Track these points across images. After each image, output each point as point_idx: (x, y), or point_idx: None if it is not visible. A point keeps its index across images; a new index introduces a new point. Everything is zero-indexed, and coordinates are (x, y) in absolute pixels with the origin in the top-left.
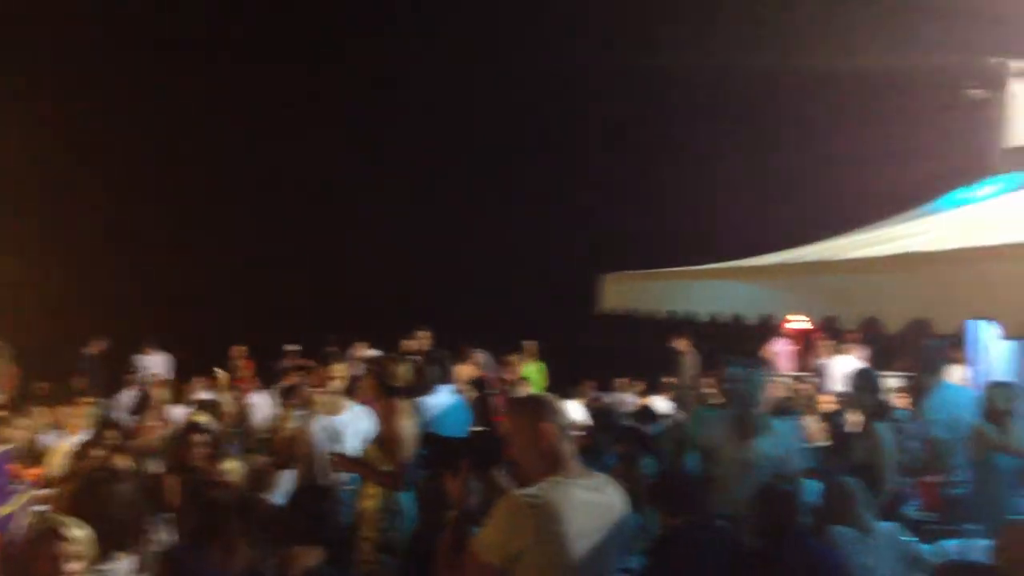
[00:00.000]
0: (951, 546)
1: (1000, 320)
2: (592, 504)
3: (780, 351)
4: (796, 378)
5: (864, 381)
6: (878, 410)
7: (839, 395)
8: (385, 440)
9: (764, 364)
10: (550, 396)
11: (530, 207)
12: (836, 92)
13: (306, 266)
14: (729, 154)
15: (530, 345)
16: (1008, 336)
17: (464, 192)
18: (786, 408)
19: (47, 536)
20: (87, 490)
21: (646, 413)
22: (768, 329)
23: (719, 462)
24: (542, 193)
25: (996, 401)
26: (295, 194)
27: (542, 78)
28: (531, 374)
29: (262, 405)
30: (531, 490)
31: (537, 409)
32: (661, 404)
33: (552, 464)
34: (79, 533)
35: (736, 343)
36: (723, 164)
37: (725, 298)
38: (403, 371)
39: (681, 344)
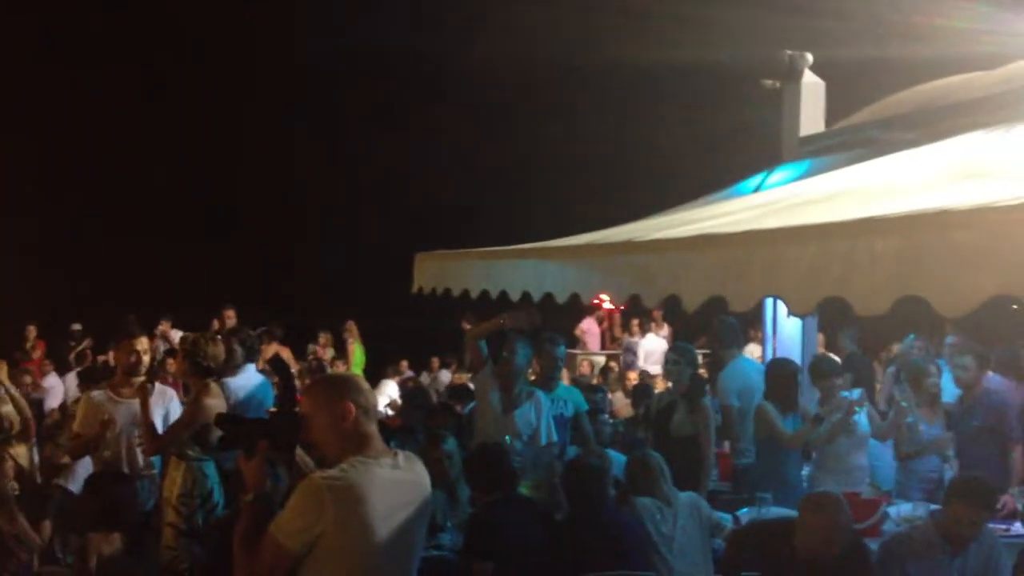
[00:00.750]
0: (744, 514)
1: (786, 298)
2: (396, 483)
3: (588, 329)
4: (606, 355)
5: (683, 355)
6: (698, 384)
7: (644, 372)
8: (192, 421)
9: (557, 339)
10: (352, 374)
11: (349, 185)
12: (643, 82)
13: (108, 243)
14: (542, 140)
15: (350, 325)
16: (792, 313)
17: (280, 169)
18: (593, 383)
19: None
20: None
21: (461, 391)
22: (577, 308)
23: (486, 434)
24: (360, 172)
25: (777, 378)
26: (90, 164)
27: (356, 52)
28: (355, 354)
29: (57, 387)
30: (331, 472)
31: (337, 388)
32: None
33: (354, 444)
34: None
35: (547, 321)
36: (536, 149)
37: (536, 277)
38: (216, 351)
39: (466, 323)
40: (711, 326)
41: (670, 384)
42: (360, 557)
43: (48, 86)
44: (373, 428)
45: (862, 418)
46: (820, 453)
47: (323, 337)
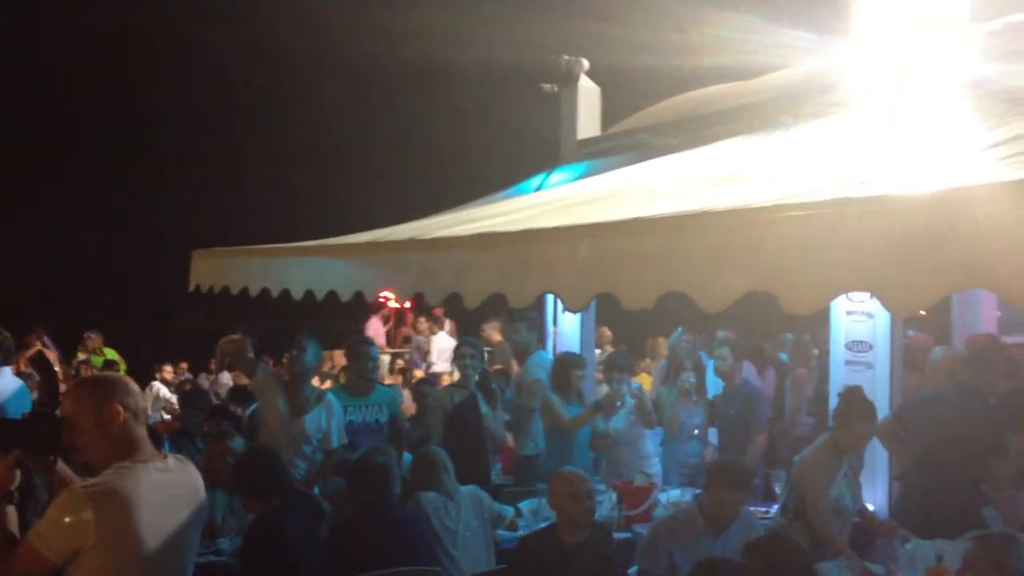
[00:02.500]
0: (526, 506)
1: (561, 295)
2: (166, 487)
3: (373, 328)
4: (391, 354)
5: (478, 349)
6: (488, 378)
7: (430, 371)
8: None
9: (373, 342)
10: (120, 376)
11: (121, 190)
12: (427, 83)
13: None
14: (325, 138)
15: (95, 336)
16: (568, 309)
17: (56, 164)
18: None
19: None
20: None
21: (242, 394)
22: (362, 306)
23: (273, 438)
24: (134, 170)
25: (559, 370)
26: None
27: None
28: (111, 355)
29: None
30: (94, 479)
31: (104, 389)
32: None
33: (122, 448)
34: None
35: (332, 320)
36: (320, 147)
37: (319, 275)
38: None
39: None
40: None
41: (459, 378)
42: (128, 564)
43: None
44: (142, 431)
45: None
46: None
47: (92, 339)
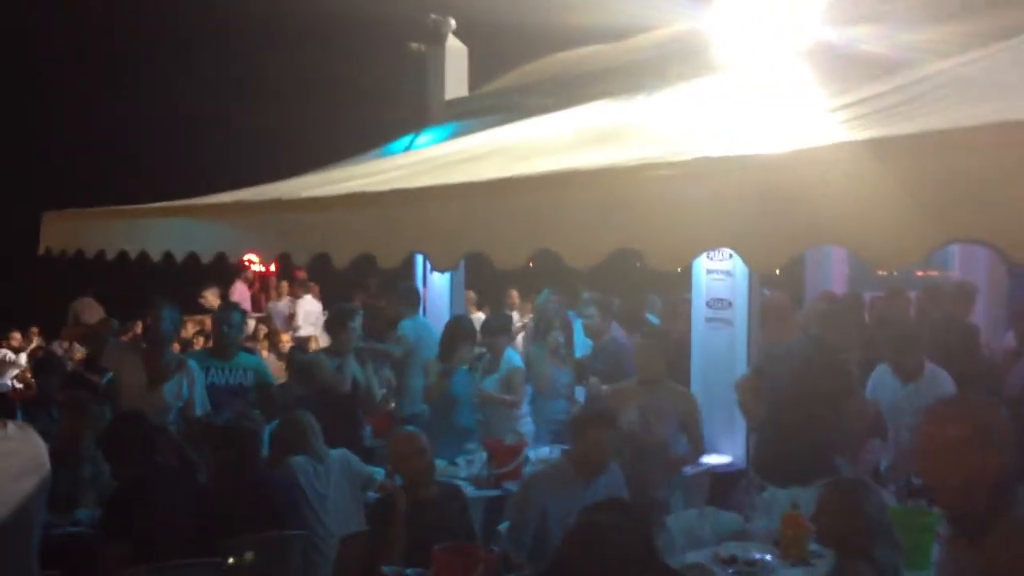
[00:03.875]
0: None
1: (430, 255)
2: (5, 456)
3: (238, 292)
4: (256, 319)
5: (343, 317)
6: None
7: (295, 335)
8: None
9: (240, 306)
10: None
11: None
12: (292, 40)
13: None
14: (189, 96)
15: None
16: (436, 269)
17: None
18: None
19: None
20: None
21: (97, 361)
22: (224, 268)
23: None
24: None
25: (450, 338)
26: None
27: None
28: None
29: None
30: None
31: None
32: None
33: None
34: None
35: (189, 283)
36: (172, 104)
37: (180, 237)
38: None
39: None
40: (397, 288)
41: (332, 343)
42: None
43: None
44: None
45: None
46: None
47: None
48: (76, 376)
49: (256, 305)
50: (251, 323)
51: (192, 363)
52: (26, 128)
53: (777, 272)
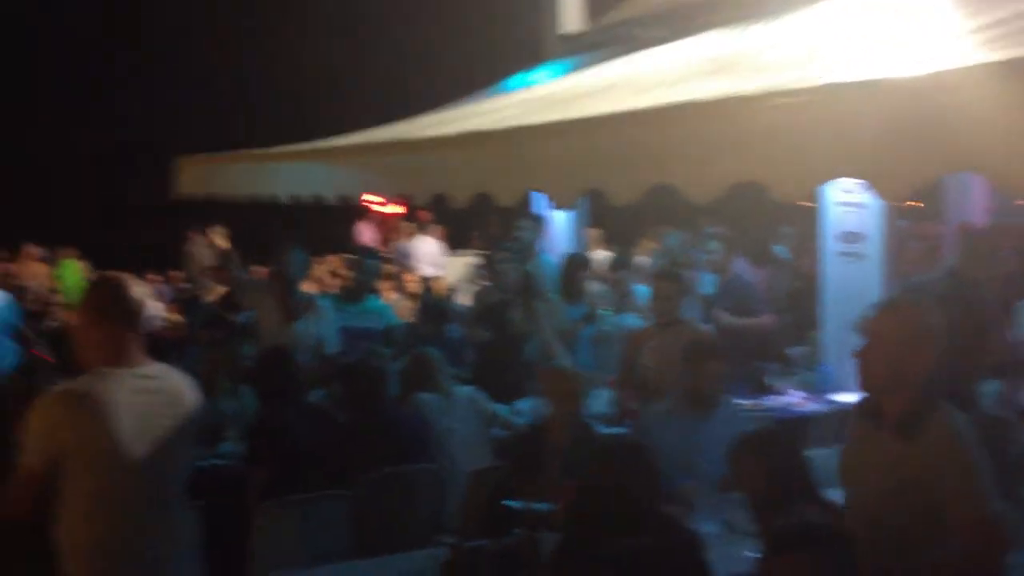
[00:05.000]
0: (524, 405)
1: (548, 192)
2: (148, 392)
3: (363, 233)
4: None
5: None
6: (531, 281)
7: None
8: None
9: (376, 251)
10: (113, 278)
11: (93, 94)
12: None
13: None
14: (292, 39)
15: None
16: (555, 206)
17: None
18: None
19: None
20: None
21: (232, 301)
22: (349, 210)
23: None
24: (104, 78)
25: (569, 272)
26: None
27: None
28: (66, 274)
29: None
30: (67, 383)
31: (93, 294)
32: None
33: (105, 354)
34: None
35: (321, 228)
36: (286, 50)
37: (304, 179)
38: None
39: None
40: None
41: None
42: (106, 466)
43: None
44: (130, 337)
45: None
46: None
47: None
48: (214, 315)
49: (381, 246)
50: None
51: (322, 302)
52: (153, 79)
53: (919, 204)
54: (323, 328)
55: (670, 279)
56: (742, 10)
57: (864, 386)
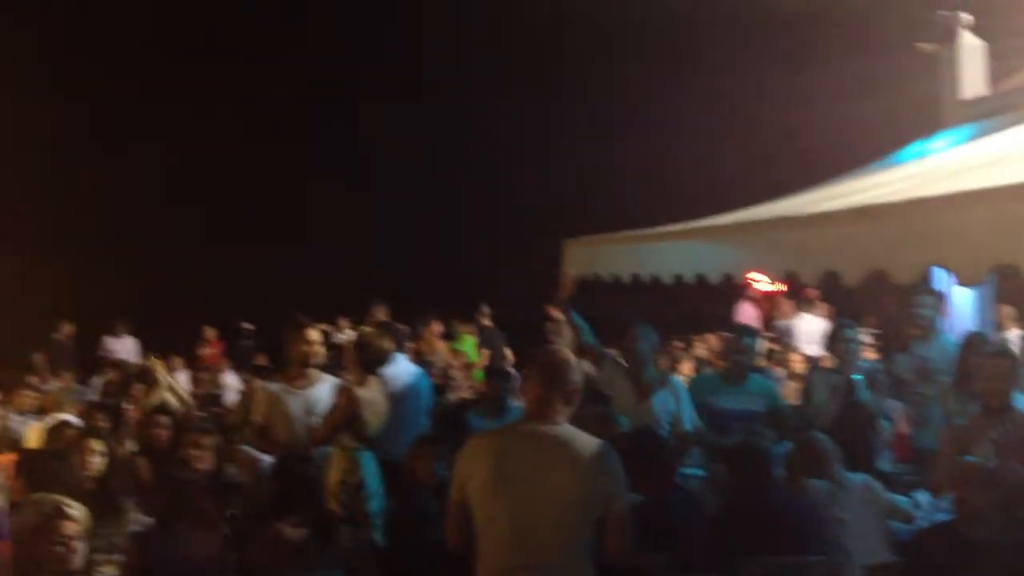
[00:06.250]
0: (923, 497)
1: (953, 268)
2: (545, 447)
3: (745, 312)
4: (764, 338)
5: (850, 331)
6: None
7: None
8: (349, 412)
9: (754, 330)
10: (555, 353)
11: (485, 175)
12: (791, 48)
13: (265, 247)
14: (685, 116)
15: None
16: (962, 283)
17: (420, 162)
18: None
19: (52, 517)
20: (37, 466)
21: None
22: (732, 288)
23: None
24: (499, 161)
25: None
26: (248, 178)
27: (487, 25)
28: (464, 348)
29: (232, 384)
30: (484, 433)
31: (542, 361)
32: None
33: (531, 410)
34: (78, 511)
35: (702, 306)
36: (681, 126)
37: (688, 259)
38: (383, 344)
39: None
40: (879, 303)
41: (837, 362)
42: (492, 504)
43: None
44: (546, 397)
45: None
46: None
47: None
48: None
49: (763, 325)
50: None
51: (675, 380)
52: (536, 161)
53: None
54: (679, 404)
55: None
56: None
57: None
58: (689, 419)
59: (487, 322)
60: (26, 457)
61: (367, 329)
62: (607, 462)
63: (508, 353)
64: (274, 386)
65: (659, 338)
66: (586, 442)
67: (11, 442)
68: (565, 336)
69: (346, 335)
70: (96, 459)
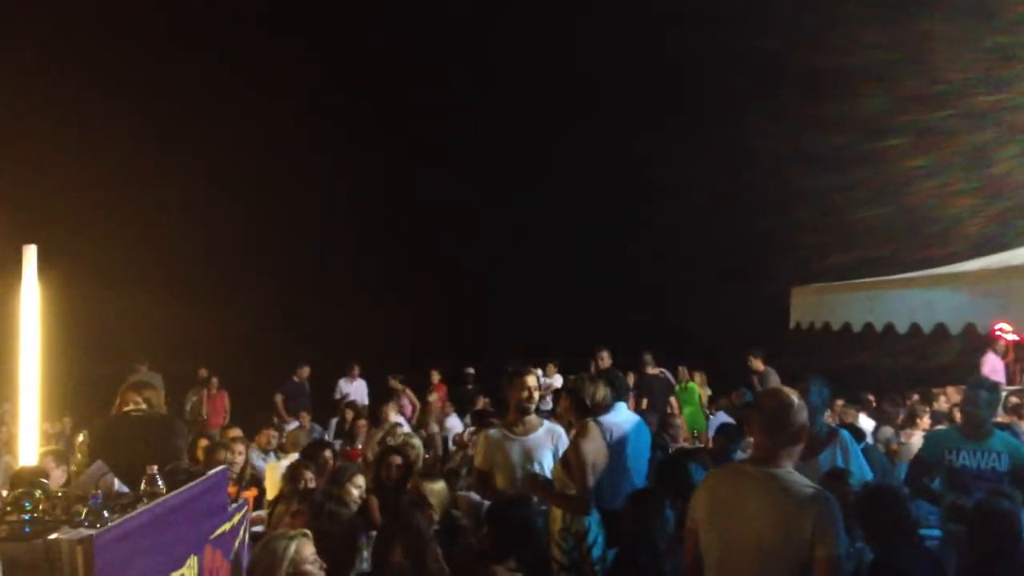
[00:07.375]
0: None
1: None
2: (753, 491)
3: (990, 364)
4: (1010, 391)
5: None
6: None
7: None
8: (573, 461)
9: (997, 383)
10: (789, 398)
11: (708, 222)
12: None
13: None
14: (918, 163)
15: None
16: None
17: (642, 206)
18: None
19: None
20: (315, 510)
21: (853, 431)
22: (975, 338)
23: None
24: (721, 208)
25: None
26: (459, 222)
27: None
28: (688, 396)
29: (457, 427)
30: (711, 474)
31: (770, 405)
32: (865, 423)
33: (755, 454)
34: (311, 550)
35: (940, 357)
36: (913, 173)
37: (926, 307)
38: (597, 391)
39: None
40: None
41: None
42: (707, 536)
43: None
44: (768, 443)
45: None
46: None
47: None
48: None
49: (1010, 377)
50: (1003, 395)
51: (844, 433)
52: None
53: None
54: (847, 458)
55: None
56: None
57: None
58: (858, 473)
59: (651, 370)
60: (308, 494)
61: (583, 376)
62: (816, 508)
63: (674, 403)
64: (494, 432)
65: (831, 392)
66: (800, 488)
67: (253, 479)
68: (772, 384)
69: (553, 380)
70: (355, 492)
